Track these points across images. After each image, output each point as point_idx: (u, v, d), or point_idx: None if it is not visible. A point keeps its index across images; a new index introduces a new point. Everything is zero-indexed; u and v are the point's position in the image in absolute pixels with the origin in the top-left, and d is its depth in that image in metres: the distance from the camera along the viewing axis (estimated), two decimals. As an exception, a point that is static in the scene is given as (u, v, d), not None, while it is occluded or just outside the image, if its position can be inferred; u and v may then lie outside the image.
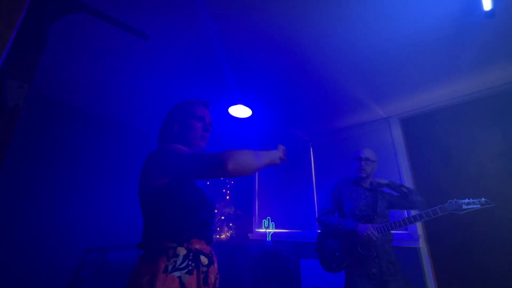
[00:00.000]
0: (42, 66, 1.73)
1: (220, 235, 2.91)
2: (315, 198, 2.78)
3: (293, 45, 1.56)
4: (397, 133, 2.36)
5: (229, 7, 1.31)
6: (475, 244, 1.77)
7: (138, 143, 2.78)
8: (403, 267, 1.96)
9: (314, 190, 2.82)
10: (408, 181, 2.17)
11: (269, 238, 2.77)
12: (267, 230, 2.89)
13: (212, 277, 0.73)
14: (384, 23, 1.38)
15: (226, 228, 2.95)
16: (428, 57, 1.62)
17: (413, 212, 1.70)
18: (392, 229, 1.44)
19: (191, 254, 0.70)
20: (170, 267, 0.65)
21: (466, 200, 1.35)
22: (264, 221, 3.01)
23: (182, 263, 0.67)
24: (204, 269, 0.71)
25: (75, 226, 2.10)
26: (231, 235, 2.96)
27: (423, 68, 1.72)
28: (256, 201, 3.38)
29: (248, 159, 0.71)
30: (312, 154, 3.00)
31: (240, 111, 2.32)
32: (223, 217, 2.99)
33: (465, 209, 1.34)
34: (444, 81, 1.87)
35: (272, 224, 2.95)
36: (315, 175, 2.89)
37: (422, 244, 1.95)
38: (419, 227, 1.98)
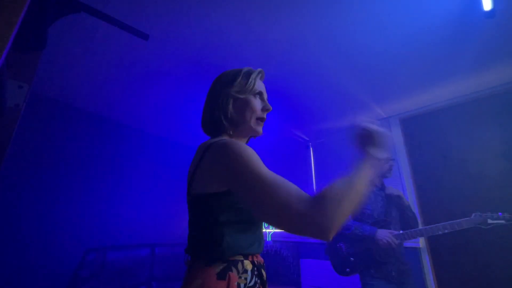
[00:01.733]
0: (42, 66, 1.73)
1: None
2: (315, 198, 2.78)
3: (293, 45, 1.56)
4: (397, 133, 2.36)
5: (230, 6, 1.31)
6: (475, 244, 1.77)
7: (138, 143, 2.78)
8: (403, 267, 1.97)
9: (314, 190, 2.82)
10: (408, 181, 2.17)
11: (269, 238, 2.77)
12: (267, 230, 2.89)
13: None
14: (384, 23, 1.38)
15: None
16: (428, 57, 1.62)
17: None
18: (412, 237, 1.40)
19: (255, 268, 0.60)
20: (242, 286, 0.55)
21: (490, 214, 1.31)
22: (264, 221, 3.01)
23: (251, 280, 0.58)
24: (265, 284, 0.63)
25: (75, 226, 2.10)
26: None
27: (423, 68, 1.72)
28: (256, 201, 3.38)
29: (349, 207, 0.48)
30: (312, 154, 3.00)
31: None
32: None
33: (490, 224, 1.30)
34: (444, 81, 1.87)
35: (272, 224, 2.95)
36: (315, 175, 2.89)
37: (422, 244, 1.95)
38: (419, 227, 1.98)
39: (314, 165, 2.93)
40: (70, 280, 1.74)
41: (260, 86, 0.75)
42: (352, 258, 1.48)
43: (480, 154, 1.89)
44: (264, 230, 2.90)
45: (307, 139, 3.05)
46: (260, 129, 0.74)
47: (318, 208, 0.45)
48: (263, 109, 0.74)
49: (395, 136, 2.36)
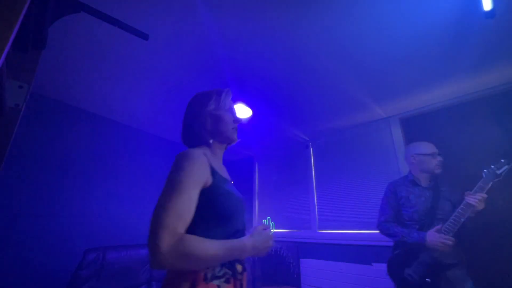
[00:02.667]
0: (42, 66, 1.73)
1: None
2: (315, 198, 2.78)
3: (293, 45, 1.56)
4: (397, 133, 2.36)
5: (229, 6, 1.31)
6: (474, 244, 1.77)
7: (138, 143, 2.78)
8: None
9: (314, 190, 2.82)
10: (408, 181, 2.17)
11: (269, 238, 2.76)
12: (267, 230, 2.89)
13: (244, 285, 0.73)
14: (384, 23, 1.38)
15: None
16: (428, 57, 1.62)
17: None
18: (459, 223, 1.28)
19: (227, 262, 0.68)
20: (209, 275, 0.63)
21: (494, 166, 1.34)
22: (264, 221, 3.01)
23: (220, 271, 0.66)
24: (240, 276, 0.70)
25: (75, 226, 2.10)
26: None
27: (423, 68, 1.72)
28: (256, 201, 3.39)
29: (195, 265, 0.61)
30: (312, 154, 3.00)
31: (240, 111, 2.32)
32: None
33: (501, 173, 1.31)
34: (444, 81, 1.87)
35: (272, 224, 2.95)
36: (315, 175, 2.89)
37: (422, 244, 1.95)
38: (419, 227, 1.98)
39: (314, 165, 2.93)
40: (70, 280, 1.74)
41: (229, 102, 0.91)
42: (428, 279, 1.31)
43: (480, 154, 1.89)
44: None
45: (307, 139, 3.05)
46: (235, 136, 0.89)
47: (172, 249, 0.55)
48: (235, 120, 0.89)
49: (395, 136, 2.36)
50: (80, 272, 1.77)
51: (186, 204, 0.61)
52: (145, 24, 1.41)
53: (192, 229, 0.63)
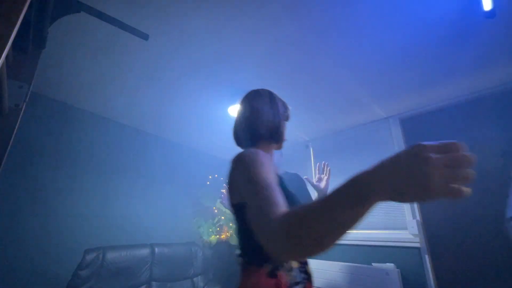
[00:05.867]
0: (42, 66, 1.73)
1: (220, 235, 2.91)
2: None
3: (293, 45, 1.56)
4: (397, 133, 2.36)
5: (230, 7, 1.31)
6: (475, 244, 1.77)
7: (138, 143, 2.78)
8: (403, 267, 1.97)
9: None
10: (408, 181, 2.17)
11: (269, 238, 2.76)
12: (267, 230, 2.88)
13: None
14: (384, 23, 1.38)
15: (226, 228, 2.95)
16: (428, 57, 1.62)
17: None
18: None
19: (301, 265, 0.66)
20: (291, 282, 0.62)
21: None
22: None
23: (298, 276, 0.64)
24: (312, 280, 0.69)
25: (75, 226, 2.10)
26: (232, 235, 2.95)
27: (423, 68, 1.72)
28: (256, 201, 3.37)
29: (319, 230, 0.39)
30: (312, 154, 3.00)
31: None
32: (223, 217, 2.99)
33: None
34: (444, 81, 1.87)
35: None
36: (315, 175, 2.88)
37: (422, 244, 1.95)
38: (419, 227, 1.98)
39: (314, 165, 2.93)
40: (70, 280, 1.74)
41: None
42: None
43: (480, 154, 1.89)
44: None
45: (307, 139, 3.04)
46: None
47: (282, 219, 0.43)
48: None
49: (395, 136, 2.36)
50: (80, 272, 1.77)
51: (279, 196, 0.52)
52: (145, 24, 1.41)
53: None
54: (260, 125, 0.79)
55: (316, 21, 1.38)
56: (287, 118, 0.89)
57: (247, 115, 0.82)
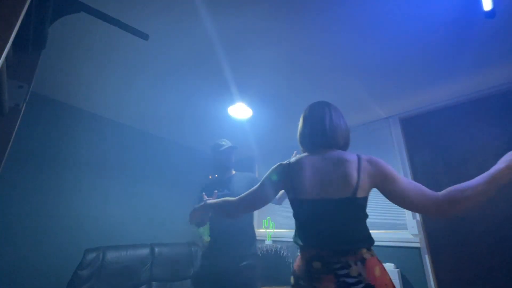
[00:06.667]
0: (42, 66, 1.73)
1: (220, 235, 2.91)
2: (315, 198, 2.77)
3: (293, 45, 1.56)
4: (397, 133, 2.36)
5: (230, 7, 1.31)
6: (475, 244, 1.77)
7: (138, 143, 2.78)
8: (403, 267, 1.97)
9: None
10: (408, 181, 2.17)
11: (269, 238, 2.76)
12: (267, 230, 2.89)
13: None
14: (384, 23, 1.38)
15: (226, 228, 2.94)
16: (428, 57, 1.62)
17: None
18: None
19: None
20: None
21: None
22: (264, 221, 3.01)
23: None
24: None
25: (75, 226, 2.10)
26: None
27: (423, 68, 1.72)
28: (256, 201, 3.37)
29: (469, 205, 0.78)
30: (312, 154, 2.99)
31: (240, 111, 2.32)
32: (223, 217, 2.98)
33: None
34: (444, 81, 1.87)
35: (272, 224, 2.95)
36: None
37: (422, 244, 1.95)
38: (419, 227, 1.98)
39: (314, 165, 2.92)
40: (70, 280, 1.74)
41: None
42: None
43: (480, 154, 1.89)
44: (264, 230, 2.91)
45: (307, 139, 3.04)
46: None
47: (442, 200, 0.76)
48: None
49: (395, 136, 2.36)
50: (80, 272, 1.78)
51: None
52: (145, 24, 1.41)
53: (367, 228, 0.95)
54: (347, 134, 1.08)
55: (316, 20, 1.38)
56: None
57: (345, 126, 1.07)
